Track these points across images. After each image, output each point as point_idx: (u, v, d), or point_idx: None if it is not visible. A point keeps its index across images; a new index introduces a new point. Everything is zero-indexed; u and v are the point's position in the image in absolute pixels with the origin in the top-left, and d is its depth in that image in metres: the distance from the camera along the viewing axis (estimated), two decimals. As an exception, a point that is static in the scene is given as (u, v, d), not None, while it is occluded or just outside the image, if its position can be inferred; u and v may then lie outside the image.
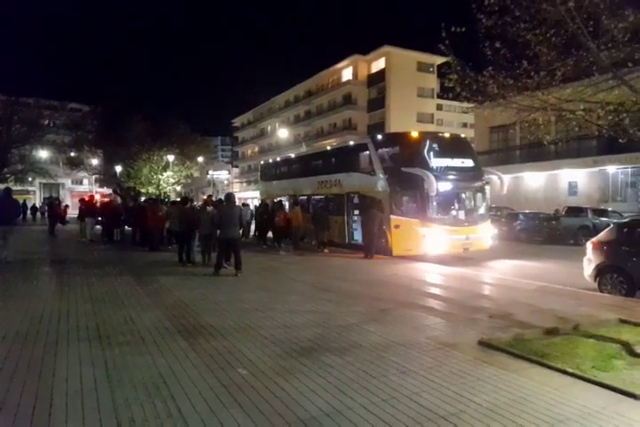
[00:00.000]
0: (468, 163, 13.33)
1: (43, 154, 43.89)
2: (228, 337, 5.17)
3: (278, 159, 22.51)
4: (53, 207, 22.10)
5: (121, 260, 12.07)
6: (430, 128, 41.14)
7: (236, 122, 79.36)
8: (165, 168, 41.82)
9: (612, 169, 24.75)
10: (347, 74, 51.66)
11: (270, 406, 3.44)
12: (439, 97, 47.84)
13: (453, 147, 13.50)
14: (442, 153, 12.79)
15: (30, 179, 43.64)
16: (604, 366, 4.26)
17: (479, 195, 13.57)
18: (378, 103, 48.58)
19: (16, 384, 3.81)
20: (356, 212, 14.63)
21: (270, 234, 15.90)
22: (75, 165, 44.94)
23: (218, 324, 5.71)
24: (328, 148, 18.99)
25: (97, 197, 26.64)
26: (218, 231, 9.97)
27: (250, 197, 49.83)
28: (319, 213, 14.89)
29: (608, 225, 9.95)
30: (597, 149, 23.94)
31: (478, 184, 13.35)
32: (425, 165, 12.33)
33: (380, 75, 48.18)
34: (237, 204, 12.07)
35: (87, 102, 44.55)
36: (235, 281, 9.04)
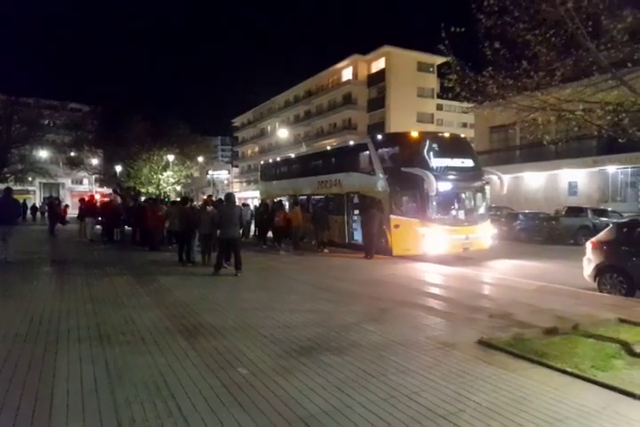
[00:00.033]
0: (468, 163, 13.34)
1: (43, 154, 43.92)
2: (228, 336, 5.18)
3: (278, 159, 22.52)
4: (53, 207, 22.12)
5: (121, 260, 12.09)
6: (430, 128, 41.16)
7: (236, 122, 79.39)
8: (165, 168, 41.85)
9: (611, 169, 24.75)
10: (347, 74, 51.68)
11: (270, 404, 3.45)
12: (439, 97, 47.87)
13: (453, 147, 13.51)
14: (442, 153, 12.80)
15: (30, 179, 43.69)
16: (603, 366, 4.27)
17: (479, 195, 13.58)
18: (378, 103, 48.60)
19: (16, 384, 3.82)
20: (356, 212, 14.63)
21: (270, 234, 15.91)
22: (75, 164, 44.99)
23: (218, 323, 5.72)
24: (328, 148, 19.00)
25: (97, 196, 26.64)
26: (218, 231, 9.98)
27: (250, 196, 49.85)
28: (319, 213, 14.90)
29: (608, 225, 9.96)
30: (597, 149, 23.93)
31: (478, 184, 13.36)
32: (425, 164, 12.34)
33: (380, 75, 48.20)
34: (237, 204, 12.08)
35: (87, 102, 44.71)
36: (235, 281, 9.05)
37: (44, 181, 47.90)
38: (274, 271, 10.54)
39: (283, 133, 45.57)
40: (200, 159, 48.32)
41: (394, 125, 43.31)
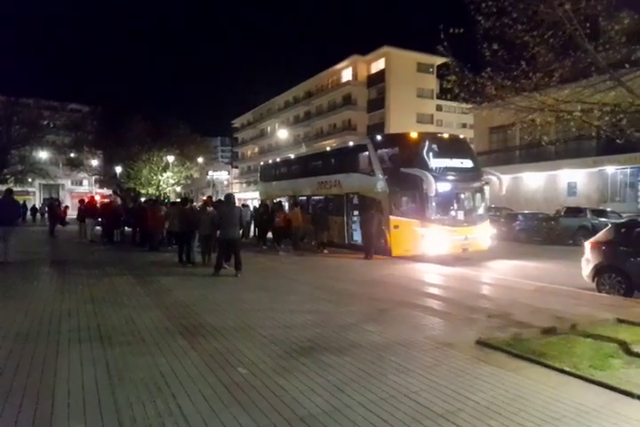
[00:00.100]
0: (467, 163, 13.37)
1: (42, 155, 43.97)
2: (228, 337, 5.20)
3: (278, 160, 22.54)
4: (53, 208, 22.16)
5: (121, 260, 12.11)
6: (430, 129, 41.25)
7: (236, 123, 79.43)
8: (165, 169, 41.87)
9: (611, 169, 24.78)
10: (346, 74, 51.73)
11: (270, 404, 3.47)
12: (439, 98, 47.94)
13: (452, 147, 13.54)
14: (441, 154, 12.83)
15: (30, 180, 43.69)
16: (600, 365, 4.29)
17: (478, 195, 13.62)
18: (377, 104, 48.67)
19: (18, 384, 3.83)
20: (356, 212, 14.66)
21: (270, 234, 15.93)
22: (74, 165, 45.03)
23: (218, 324, 5.74)
24: (328, 148, 19.03)
25: (97, 197, 26.66)
26: (218, 232, 10.01)
27: (250, 197, 49.88)
28: (319, 214, 14.93)
29: (607, 225, 9.99)
30: (597, 150, 23.97)
31: (477, 185, 13.39)
32: (424, 165, 12.37)
33: (380, 75, 48.27)
34: (237, 204, 12.10)
35: (87, 103, 44.67)
36: (234, 281, 9.07)
37: (43, 182, 47.89)
38: (274, 272, 10.56)
39: (282, 134, 45.65)
40: (200, 160, 48.35)
41: (393, 126, 43.35)
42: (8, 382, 3.88)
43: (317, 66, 71.55)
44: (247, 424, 3.17)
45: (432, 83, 48.14)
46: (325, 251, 14.23)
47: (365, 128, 48.86)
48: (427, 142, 12.94)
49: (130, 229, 16.87)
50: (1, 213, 10.46)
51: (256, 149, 72.13)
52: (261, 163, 25.09)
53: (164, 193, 42.26)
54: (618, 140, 6.42)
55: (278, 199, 18.98)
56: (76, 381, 3.91)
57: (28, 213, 33.12)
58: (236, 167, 77.05)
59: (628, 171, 24.35)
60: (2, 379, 3.95)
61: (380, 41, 56.59)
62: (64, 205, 30.84)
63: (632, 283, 7.90)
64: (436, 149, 12.87)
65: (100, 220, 18.40)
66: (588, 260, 8.67)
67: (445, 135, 14.08)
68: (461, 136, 15.93)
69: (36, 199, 50.35)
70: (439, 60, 40.83)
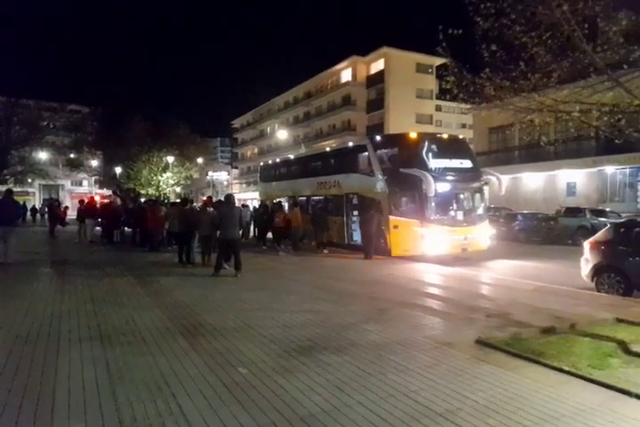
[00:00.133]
0: (467, 164, 13.39)
1: (42, 155, 44.00)
2: (228, 336, 5.22)
3: (278, 160, 22.56)
4: (53, 209, 22.16)
5: (121, 261, 12.12)
6: (429, 129, 41.30)
7: (236, 123, 79.49)
8: (165, 169, 41.89)
9: (610, 169, 24.81)
10: (346, 75, 51.78)
11: (270, 403, 3.49)
12: (438, 98, 48.00)
13: (452, 148, 13.56)
14: (440, 154, 12.86)
15: (30, 180, 43.74)
16: (599, 365, 4.31)
17: (477, 195, 13.64)
18: (377, 104, 48.70)
19: (18, 384, 3.85)
20: (355, 212, 14.68)
21: (270, 235, 15.95)
22: (74, 166, 45.08)
23: (218, 323, 5.76)
24: (327, 149, 19.07)
25: (97, 198, 26.67)
26: (217, 232, 10.02)
27: (249, 198, 49.92)
28: (318, 214, 14.95)
29: (606, 225, 10.01)
30: (596, 150, 23.99)
31: (476, 185, 13.42)
32: (423, 165, 12.39)
33: (379, 76, 48.31)
34: (237, 205, 12.12)
35: (87, 103, 44.77)
36: (234, 281, 9.09)
37: (43, 182, 47.94)
38: (273, 272, 10.57)
39: (282, 135, 45.69)
40: (200, 160, 48.38)
41: (393, 126, 43.38)
42: (9, 381, 3.89)
43: (317, 66, 71.75)
44: (247, 423, 3.18)
45: (431, 83, 48.19)
46: (325, 251, 14.25)
47: (365, 129, 48.90)
48: (426, 143, 12.96)
49: (130, 230, 16.88)
50: (1, 213, 10.48)
51: (256, 150, 72.16)
52: (261, 163, 25.12)
53: (164, 193, 42.28)
54: (616, 141, 6.45)
55: (278, 200, 18.99)
56: (77, 380, 3.92)
57: (28, 213, 33.12)
58: (236, 168, 77.09)
59: (628, 171, 24.38)
60: (2, 378, 3.96)
61: (379, 41, 56.78)
62: (64, 205, 30.84)
63: (631, 283, 7.93)
64: (436, 149, 12.90)
65: (99, 220, 18.41)
66: (587, 260, 8.69)
67: (445, 135, 14.11)
68: (461, 136, 15.99)
69: (35, 200, 50.35)
70: (438, 61, 40.88)
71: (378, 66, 49.00)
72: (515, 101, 6.60)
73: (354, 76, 50.55)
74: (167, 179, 42.28)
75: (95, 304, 6.83)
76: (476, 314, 6.36)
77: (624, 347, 4.80)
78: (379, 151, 14.09)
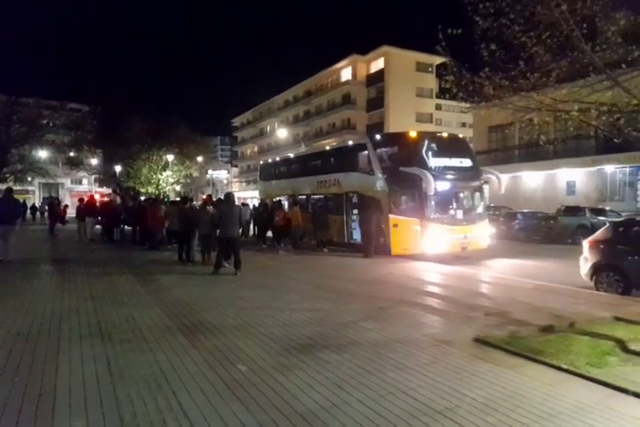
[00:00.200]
0: (466, 162, 13.41)
1: (42, 154, 44.01)
2: (228, 334, 5.24)
3: (277, 159, 22.56)
4: (53, 207, 22.19)
5: (121, 259, 12.14)
6: (429, 128, 41.22)
7: (236, 122, 79.43)
8: (165, 168, 41.93)
9: (610, 168, 24.82)
10: (346, 74, 51.74)
11: (269, 400, 3.51)
12: (438, 97, 48.02)
13: (451, 146, 13.57)
14: (440, 153, 12.87)
15: (30, 179, 43.72)
16: (597, 363, 4.33)
17: (477, 194, 13.66)
18: (377, 103, 48.67)
19: (19, 382, 3.87)
20: (355, 211, 14.69)
21: (270, 233, 15.97)
22: (74, 164, 45.12)
23: (217, 322, 5.78)
24: (327, 147, 19.07)
25: (96, 196, 26.70)
26: (217, 231, 10.04)
27: (249, 196, 49.88)
28: (318, 213, 14.97)
29: (605, 224, 10.03)
30: (596, 149, 23.99)
31: (476, 184, 13.44)
32: (423, 164, 12.40)
33: (379, 75, 48.28)
34: (237, 203, 12.14)
35: (87, 102, 44.78)
36: (234, 280, 9.11)
37: (43, 181, 47.91)
38: (273, 270, 10.59)
39: (282, 133, 45.67)
40: (199, 159, 48.40)
41: (393, 125, 43.39)
42: (9, 379, 3.91)
43: (317, 65, 71.49)
44: (247, 420, 3.20)
45: (431, 82, 48.16)
46: (325, 250, 14.27)
47: (365, 127, 48.88)
48: (426, 141, 12.97)
49: (130, 228, 16.90)
50: (1, 211, 10.48)
51: (255, 148, 72.15)
52: (261, 162, 25.11)
53: (164, 192, 42.33)
54: (615, 140, 6.47)
55: (278, 198, 19.00)
56: (77, 378, 3.94)
57: (28, 211, 33.13)
58: (236, 166, 77.07)
59: (627, 170, 24.40)
60: (3, 376, 3.98)
61: (379, 41, 56.69)
62: (64, 203, 30.85)
63: (630, 281, 7.95)
64: (435, 148, 12.91)
65: (99, 218, 18.44)
66: (586, 258, 8.71)
67: (444, 134, 14.11)
68: (460, 135, 15.98)
69: (35, 198, 50.38)
70: (438, 60, 40.88)
71: (378, 65, 48.96)
72: (514, 100, 6.62)
73: (354, 74, 50.51)
74: (167, 177, 42.32)
75: (95, 302, 6.86)
76: (475, 312, 6.38)
77: (622, 345, 4.82)
78: (378, 150, 14.09)
